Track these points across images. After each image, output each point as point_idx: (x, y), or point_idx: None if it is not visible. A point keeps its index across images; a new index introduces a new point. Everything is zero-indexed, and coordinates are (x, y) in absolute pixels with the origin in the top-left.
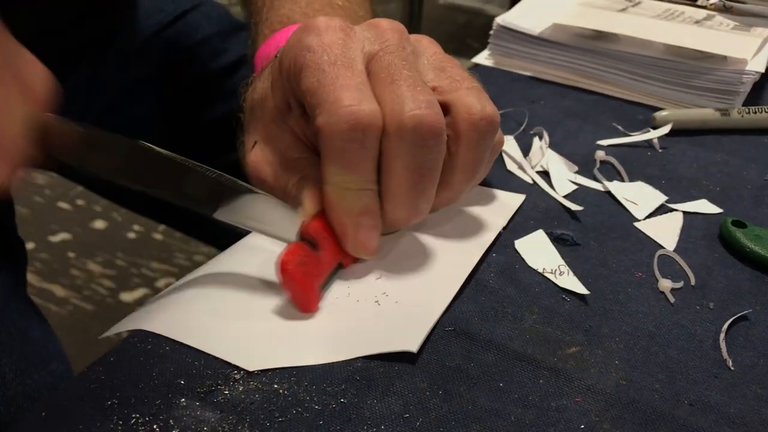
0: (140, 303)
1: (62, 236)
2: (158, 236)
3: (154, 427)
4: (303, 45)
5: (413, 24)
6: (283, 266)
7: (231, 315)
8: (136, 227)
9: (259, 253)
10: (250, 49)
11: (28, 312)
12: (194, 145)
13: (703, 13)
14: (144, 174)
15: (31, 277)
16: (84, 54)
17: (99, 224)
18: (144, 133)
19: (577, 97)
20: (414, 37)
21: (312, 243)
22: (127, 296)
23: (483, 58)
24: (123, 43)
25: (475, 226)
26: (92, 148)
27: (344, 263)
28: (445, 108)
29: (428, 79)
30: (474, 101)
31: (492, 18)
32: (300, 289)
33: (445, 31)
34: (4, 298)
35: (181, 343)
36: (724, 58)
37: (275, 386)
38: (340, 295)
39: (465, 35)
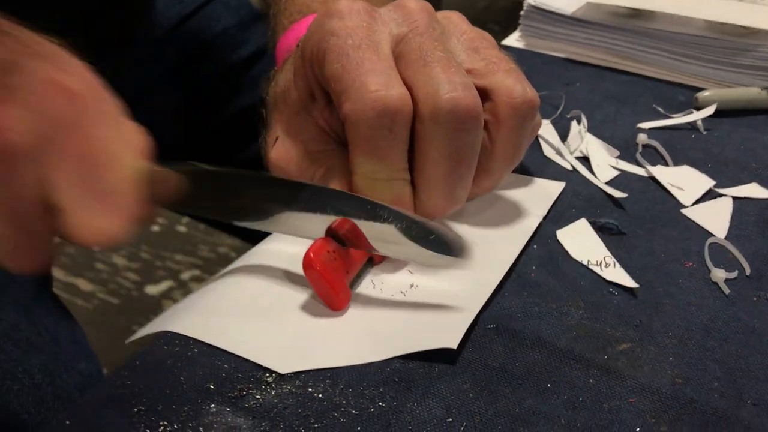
0: (165, 296)
1: None
2: (182, 228)
3: None
4: (326, 30)
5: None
6: (309, 262)
7: (260, 315)
8: (160, 219)
9: (287, 250)
10: (269, 42)
11: (55, 310)
12: (216, 138)
13: None
14: (260, 205)
15: (56, 272)
16: (105, 50)
17: None
18: (166, 127)
19: (614, 79)
20: (442, 14)
21: (340, 238)
22: (152, 289)
23: (514, 40)
24: (143, 37)
25: (514, 216)
26: (201, 189)
27: (375, 258)
28: (482, 92)
29: (461, 60)
30: (515, 84)
31: (513, 1)
32: (327, 285)
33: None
34: (32, 297)
35: (210, 345)
36: None
37: (309, 389)
38: (372, 291)
39: (486, 19)
